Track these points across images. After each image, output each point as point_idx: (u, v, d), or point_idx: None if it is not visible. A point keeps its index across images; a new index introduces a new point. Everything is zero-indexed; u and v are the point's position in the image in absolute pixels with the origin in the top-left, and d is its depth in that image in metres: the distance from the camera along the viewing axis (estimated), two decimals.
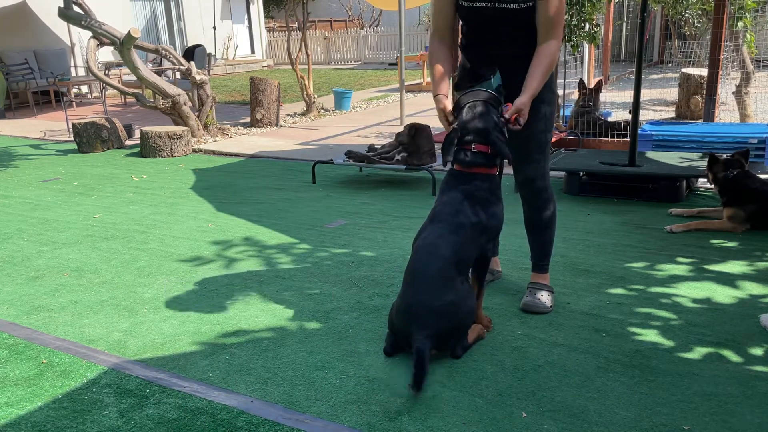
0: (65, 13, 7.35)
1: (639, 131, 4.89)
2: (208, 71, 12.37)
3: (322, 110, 9.92)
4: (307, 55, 9.65)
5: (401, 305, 2.45)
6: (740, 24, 5.84)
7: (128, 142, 7.96)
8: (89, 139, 7.46)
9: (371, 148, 5.76)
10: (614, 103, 9.01)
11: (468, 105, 2.53)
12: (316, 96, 9.94)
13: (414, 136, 5.23)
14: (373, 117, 9.44)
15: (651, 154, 5.07)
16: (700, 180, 4.82)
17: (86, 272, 3.60)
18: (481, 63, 2.75)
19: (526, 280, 3.12)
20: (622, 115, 7.55)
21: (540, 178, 2.86)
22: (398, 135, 5.50)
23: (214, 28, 16.99)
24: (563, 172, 4.84)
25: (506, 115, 2.56)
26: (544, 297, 2.88)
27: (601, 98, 7.17)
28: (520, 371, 2.39)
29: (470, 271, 2.60)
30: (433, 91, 2.71)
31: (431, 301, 2.36)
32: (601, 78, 8.25)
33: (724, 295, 2.99)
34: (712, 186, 4.11)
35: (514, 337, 2.65)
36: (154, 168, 6.49)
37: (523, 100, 2.57)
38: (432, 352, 2.36)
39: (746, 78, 6.53)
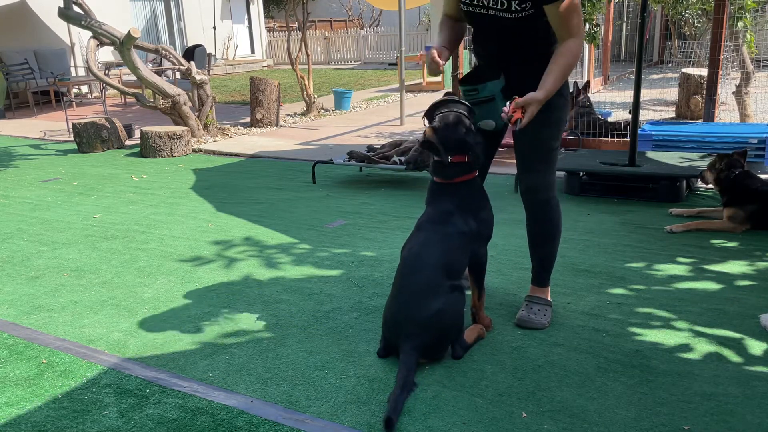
0: (65, 13, 7.35)
1: (639, 131, 4.89)
2: (208, 71, 12.37)
3: (322, 110, 9.92)
4: (307, 55, 9.65)
5: (389, 317, 2.45)
6: (740, 24, 5.84)
7: (128, 142, 7.96)
8: (89, 139, 7.46)
9: (370, 148, 5.76)
10: (614, 103, 9.00)
11: (440, 116, 2.50)
12: (316, 96, 9.94)
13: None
14: (373, 117, 9.44)
15: (651, 154, 5.07)
16: (700, 180, 4.82)
17: (86, 272, 3.60)
18: (485, 63, 2.66)
19: (526, 280, 3.09)
20: (622, 115, 7.55)
21: (543, 189, 2.69)
22: (406, 156, 5.24)
23: (214, 28, 17.00)
24: (563, 172, 4.84)
25: (507, 110, 2.38)
26: (541, 312, 2.76)
27: (602, 98, 7.17)
28: (520, 371, 2.39)
29: (467, 273, 2.62)
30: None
31: (417, 314, 2.35)
32: (588, 80, 8.28)
33: (724, 295, 2.99)
34: (712, 186, 4.11)
35: (514, 337, 2.65)
36: (154, 168, 6.49)
37: (536, 95, 2.37)
38: (421, 361, 2.38)
39: (746, 78, 6.53)
